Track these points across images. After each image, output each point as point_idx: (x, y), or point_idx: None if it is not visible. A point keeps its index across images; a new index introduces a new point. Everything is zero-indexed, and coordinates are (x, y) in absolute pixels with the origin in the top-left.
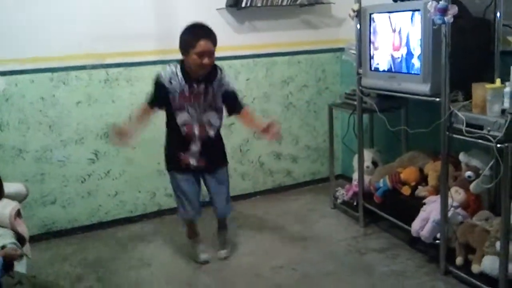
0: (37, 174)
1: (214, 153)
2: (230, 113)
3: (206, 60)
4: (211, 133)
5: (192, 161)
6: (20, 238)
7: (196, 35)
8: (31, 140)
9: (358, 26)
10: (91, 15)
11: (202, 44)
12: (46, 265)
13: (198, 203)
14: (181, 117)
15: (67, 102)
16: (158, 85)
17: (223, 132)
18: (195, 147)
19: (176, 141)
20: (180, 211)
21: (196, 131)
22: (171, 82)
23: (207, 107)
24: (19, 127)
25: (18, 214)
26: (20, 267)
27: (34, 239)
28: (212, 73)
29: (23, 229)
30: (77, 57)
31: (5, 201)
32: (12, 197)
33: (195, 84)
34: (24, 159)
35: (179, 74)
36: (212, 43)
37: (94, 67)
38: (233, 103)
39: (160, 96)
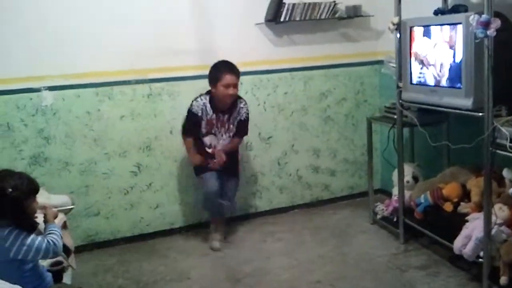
0: (82, 187)
1: (230, 164)
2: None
3: (231, 91)
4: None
5: (218, 167)
6: (66, 250)
7: (221, 69)
8: (76, 153)
9: (398, 39)
10: (134, 32)
11: (228, 78)
12: (89, 276)
13: (220, 202)
14: (208, 140)
15: (112, 116)
16: (193, 116)
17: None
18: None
19: (205, 152)
20: (207, 209)
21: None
22: (202, 112)
23: (226, 134)
24: (65, 141)
25: (64, 225)
26: (65, 278)
27: (78, 249)
28: (233, 104)
29: (69, 241)
30: (121, 72)
31: None
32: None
33: (220, 114)
34: (69, 172)
35: (208, 105)
36: (236, 75)
37: (137, 82)
38: (239, 130)
39: (196, 125)
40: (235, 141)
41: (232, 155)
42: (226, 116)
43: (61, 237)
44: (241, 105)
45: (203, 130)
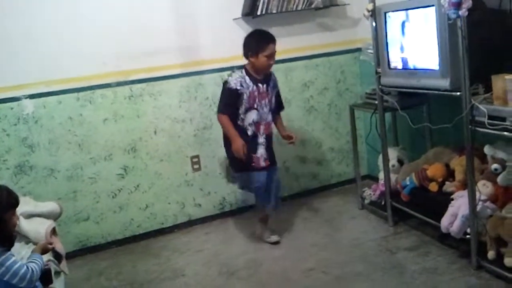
0: (69, 192)
1: (272, 152)
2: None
3: (272, 61)
4: (271, 130)
5: (262, 162)
6: (57, 256)
7: (264, 39)
8: (61, 159)
9: (374, 25)
10: (112, 34)
11: (272, 47)
12: (82, 281)
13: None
14: (250, 117)
15: (94, 120)
16: (231, 91)
17: None
18: (262, 147)
19: (246, 142)
20: (261, 200)
21: (262, 129)
22: (242, 86)
23: (270, 107)
24: (49, 148)
25: (53, 232)
26: (58, 284)
27: (70, 255)
28: (266, 74)
29: (59, 247)
30: (101, 76)
31: (40, 220)
32: (46, 215)
33: (260, 84)
34: (56, 178)
35: (246, 78)
36: (275, 45)
37: (118, 84)
38: (278, 103)
39: (234, 102)
40: (280, 118)
41: (272, 139)
42: (265, 86)
43: (41, 270)
44: (274, 76)
45: (246, 105)
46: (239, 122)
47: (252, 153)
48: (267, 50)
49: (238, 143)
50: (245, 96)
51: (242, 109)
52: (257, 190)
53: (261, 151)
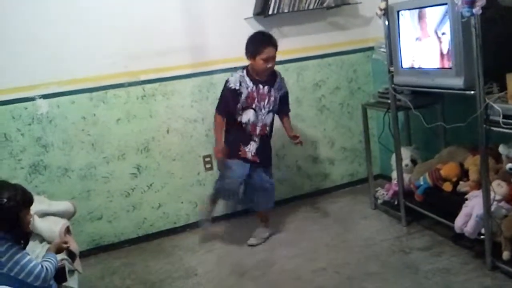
0: (83, 192)
1: (266, 153)
2: (278, 113)
3: (270, 64)
4: (268, 132)
5: (249, 155)
6: (70, 254)
7: (262, 42)
8: (75, 159)
9: (387, 24)
10: (124, 35)
11: (269, 51)
12: (96, 279)
13: (239, 185)
14: (247, 116)
15: (108, 120)
16: (230, 91)
17: None
18: (254, 143)
19: (238, 136)
20: (218, 184)
21: (258, 130)
22: (241, 85)
23: (269, 109)
24: (63, 147)
25: (67, 231)
26: (72, 282)
27: (83, 254)
28: (272, 76)
29: (74, 245)
30: (114, 76)
31: (54, 218)
32: (60, 214)
33: (260, 85)
34: (70, 178)
35: (246, 78)
36: (275, 49)
37: (130, 84)
38: (284, 105)
39: (232, 102)
40: (288, 120)
41: (268, 141)
42: (267, 88)
43: (55, 269)
44: (281, 77)
45: (243, 104)
46: (238, 118)
47: (244, 145)
48: (264, 54)
49: (218, 147)
50: (243, 96)
51: (240, 108)
52: (224, 185)
53: (251, 147)
